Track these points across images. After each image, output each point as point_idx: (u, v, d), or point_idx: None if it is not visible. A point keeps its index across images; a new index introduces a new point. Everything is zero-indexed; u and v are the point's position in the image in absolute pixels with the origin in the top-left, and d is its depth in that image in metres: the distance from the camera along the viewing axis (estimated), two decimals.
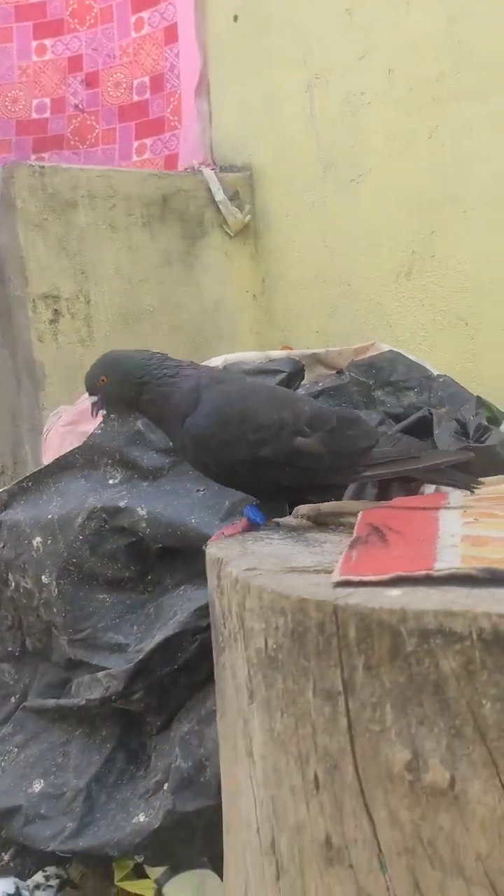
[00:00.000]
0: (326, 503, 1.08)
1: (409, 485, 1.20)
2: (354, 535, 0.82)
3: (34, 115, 2.62)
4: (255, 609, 0.67)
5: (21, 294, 2.06)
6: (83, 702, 1.29)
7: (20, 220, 2.02)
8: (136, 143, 2.58)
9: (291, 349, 1.92)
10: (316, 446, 0.89)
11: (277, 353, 1.49)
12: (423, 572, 0.61)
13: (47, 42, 2.64)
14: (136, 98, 2.59)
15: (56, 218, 2.07)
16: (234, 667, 0.73)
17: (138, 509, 1.29)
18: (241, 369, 1.37)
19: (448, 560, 0.66)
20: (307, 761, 0.62)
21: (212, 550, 0.83)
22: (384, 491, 1.22)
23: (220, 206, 2.29)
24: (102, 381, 0.97)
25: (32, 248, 2.04)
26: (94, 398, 1.00)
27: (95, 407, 1.01)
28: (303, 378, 1.42)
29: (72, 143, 2.63)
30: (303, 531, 0.93)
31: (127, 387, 0.95)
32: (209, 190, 2.29)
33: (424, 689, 0.56)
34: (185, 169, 2.36)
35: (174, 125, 2.53)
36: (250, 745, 0.70)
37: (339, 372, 1.59)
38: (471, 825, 0.55)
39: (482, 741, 0.54)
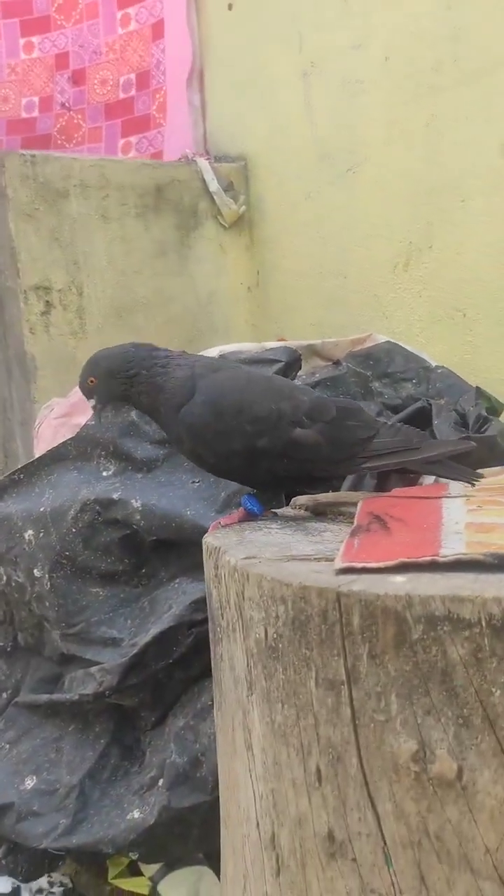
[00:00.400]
0: (325, 494, 1.06)
1: (408, 476, 1.18)
2: (355, 523, 0.80)
3: (23, 115, 2.59)
4: (255, 598, 0.65)
5: (12, 285, 2.03)
6: (76, 697, 1.27)
7: (11, 210, 1.99)
8: (121, 142, 2.54)
9: (286, 341, 1.89)
10: (314, 437, 0.86)
11: (274, 344, 1.47)
12: (429, 558, 0.59)
13: (35, 39, 2.59)
14: (122, 95, 2.54)
15: (48, 208, 2.04)
16: (232, 658, 0.71)
17: (132, 501, 1.27)
18: (237, 359, 1.35)
19: (453, 546, 0.64)
20: (309, 753, 0.60)
21: (208, 539, 0.81)
22: (383, 482, 1.20)
23: (215, 197, 2.27)
24: (91, 382, 0.96)
25: (24, 239, 2.01)
26: (93, 401, 0.98)
27: (96, 410, 0.99)
28: (300, 368, 1.39)
29: (59, 142, 2.59)
30: (302, 521, 0.91)
31: (115, 384, 0.93)
32: (203, 180, 2.26)
33: (431, 677, 0.54)
34: (180, 159, 2.33)
35: (159, 122, 2.49)
36: (249, 738, 0.68)
37: (336, 363, 1.57)
38: (479, 817, 0.53)
39: (491, 730, 0.52)
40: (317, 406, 0.88)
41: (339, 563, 0.61)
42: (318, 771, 0.59)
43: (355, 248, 2.08)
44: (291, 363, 1.34)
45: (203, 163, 2.27)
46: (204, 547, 0.80)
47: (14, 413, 2.17)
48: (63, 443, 1.38)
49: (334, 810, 0.59)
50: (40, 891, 1.24)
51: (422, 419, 1.38)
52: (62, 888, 1.24)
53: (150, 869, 1.28)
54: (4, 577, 1.39)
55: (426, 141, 1.87)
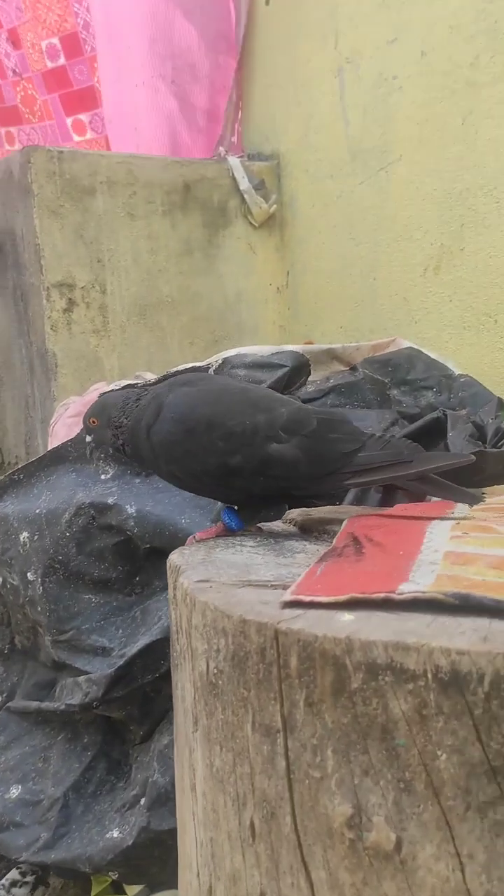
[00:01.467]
0: (319, 508, 1.00)
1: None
2: (332, 545, 0.74)
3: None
4: (199, 627, 0.59)
5: (35, 282, 2.01)
6: (62, 706, 1.22)
7: (36, 207, 1.97)
8: (69, 120, 2.23)
9: (313, 344, 1.83)
10: (291, 452, 0.80)
11: (281, 348, 1.41)
12: (383, 595, 0.53)
13: None
14: (49, 64, 2.16)
15: (73, 205, 2.01)
16: (183, 688, 0.66)
17: (127, 507, 1.22)
18: (241, 363, 1.30)
19: (419, 580, 0.57)
20: (244, 805, 0.54)
21: (173, 556, 0.76)
22: (388, 497, 1.13)
23: (245, 196, 2.22)
24: (93, 422, 0.92)
25: (48, 236, 1.99)
26: (89, 438, 0.95)
27: (89, 447, 0.96)
28: (308, 374, 1.33)
29: (25, 116, 2.30)
30: (283, 539, 0.85)
31: (107, 433, 0.90)
32: (234, 178, 2.21)
33: (371, 733, 0.47)
34: (213, 156, 2.28)
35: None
36: (193, 779, 0.62)
37: (353, 368, 1.50)
38: (420, 895, 0.47)
39: (435, 799, 0.46)
40: (295, 418, 0.81)
41: (287, 595, 0.56)
42: (253, 826, 0.54)
43: (386, 249, 2.01)
44: (298, 368, 1.28)
45: (235, 161, 2.22)
46: (168, 564, 0.75)
47: (36, 411, 2.15)
48: (64, 443, 1.35)
49: (267, 871, 0.53)
50: (14, 883, 1.20)
51: (437, 430, 1.30)
52: (34, 876, 1.20)
53: (133, 889, 1.23)
54: (0, 580, 1.36)
55: (461, 139, 1.79)
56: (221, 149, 2.28)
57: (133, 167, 2.08)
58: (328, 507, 1.04)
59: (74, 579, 1.26)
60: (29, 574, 1.28)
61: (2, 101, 2.33)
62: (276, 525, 0.95)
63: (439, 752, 0.45)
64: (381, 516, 0.86)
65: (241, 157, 2.29)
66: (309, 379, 1.48)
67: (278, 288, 2.33)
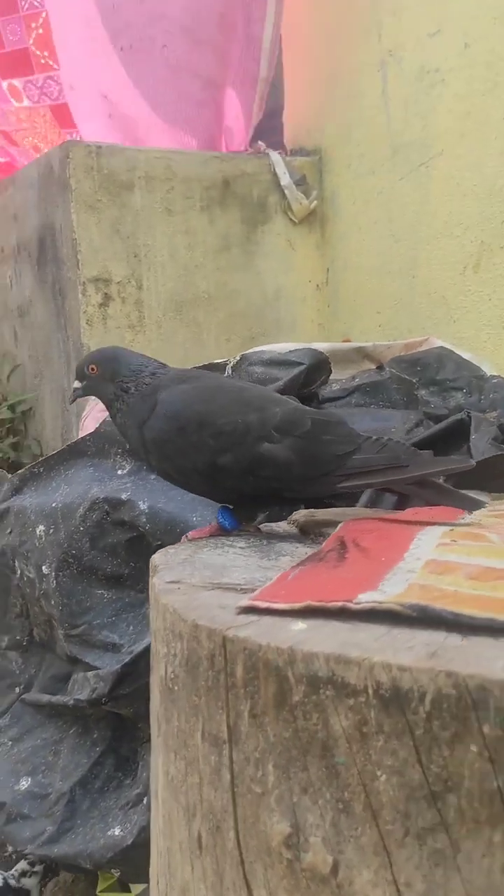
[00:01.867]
0: (325, 510, 0.97)
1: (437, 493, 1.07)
2: (318, 549, 0.72)
3: None
4: (161, 630, 0.58)
5: (72, 276, 2.02)
6: (71, 702, 1.23)
7: (74, 202, 1.98)
8: (5, 84, 2.00)
9: (350, 342, 1.80)
10: (284, 453, 0.78)
11: (297, 346, 1.38)
12: (339, 604, 0.50)
13: None
14: None
15: (111, 200, 2.02)
16: (153, 692, 0.64)
17: (140, 503, 1.22)
18: (259, 360, 1.28)
19: (388, 588, 0.55)
20: (194, 816, 0.53)
21: (156, 556, 0.75)
22: (404, 500, 1.10)
23: (286, 191, 2.19)
24: (92, 370, 0.91)
25: (85, 230, 2.00)
26: (77, 384, 0.93)
27: (75, 393, 0.95)
28: (328, 372, 1.30)
29: None
30: (277, 541, 0.83)
31: (109, 387, 0.88)
32: (275, 173, 2.19)
33: (311, 749, 0.45)
34: (252, 151, 2.26)
35: (48, 65, 1.94)
36: (157, 785, 0.61)
37: (380, 367, 1.47)
38: None
39: (374, 822, 0.43)
40: (289, 418, 0.79)
41: (244, 601, 0.54)
42: (200, 838, 0.52)
43: (426, 246, 1.96)
44: (315, 366, 1.26)
45: (276, 156, 2.20)
46: (150, 564, 0.74)
47: (73, 405, 2.17)
48: (82, 438, 1.35)
49: (212, 886, 0.51)
50: (24, 873, 1.21)
51: (460, 433, 1.26)
52: (43, 866, 1.20)
53: (137, 887, 1.23)
54: (19, 571, 1.37)
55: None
56: (261, 143, 2.26)
57: (171, 162, 2.08)
58: (337, 508, 1.02)
59: (87, 574, 1.26)
60: (44, 567, 1.29)
61: None
62: (280, 526, 0.93)
63: (379, 773, 0.43)
64: (382, 520, 0.83)
65: (282, 152, 2.26)
66: (335, 377, 1.45)
67: (318, 285, 2.30)
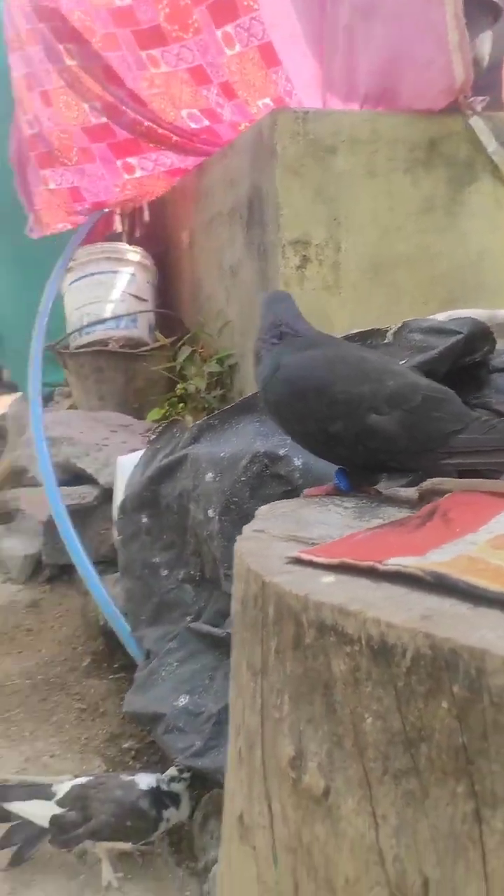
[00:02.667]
0: (454, 480, 0.99)
1: None
2: (411, 515, 0.75)
3: (117, 4, 2.30)
4: (235, 571, 0.65)
5: (274, 239, 2.11)
6: (224, 634, 1.35)
7: (279, 167, 2.06)
8: (219, 32, 2.15)
9: None
10: (390, 426, 0.81)
11: (460, 313, 1.36)
12: (369, 563, 0.55)
13: None
14: None
15: (314, 164, 2.07)
16: None
17: (295, 459, 1.29)
18: (418, 327, 1.28)
19: (434, 556, 0.58)
20: (238, 733, 0.61)
21: (264, 507, 0.82)
22: None
23: (493, 156, 2.11)
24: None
25: (288, 194, 2.07)
26: None
27: None
28: (491, 343, 1.27)
29: (173, 34, 2.24)
30: (385, 505, 0.86)
31: (258, 337, 0.96)
32: (482, 133, 2.11)
33: (316, 687, 0.51)
34: (460, 109, 2.18)
35: (250, 6, 2.08)
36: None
37: None
38: (342, 843, 0.50)
39: (359, 758, 0.48)
40: (400, 392, 0.82)
41: (293, 553, 0.59)
42: (240, 753, 0.60)
43: None
44: (476, 335, 1.24)
45: (477, 121, 2.11)
46: (256, 513, 0.81)
47: None
48: (253, 394, 1.44)
49: (245, 796, 0.59)
50: (173, 779, 1.35)
51: None
52: (190, 772, 1.34)
53: None
54: (192, 513, 1.51)
55: None
56: (475, 98, 2.17)
57: (377, 125, 2.08)
58: (467, 480, 1.02)
59: (246, 520, 1.35)
60: (210, 511, 1.41)
61: (137, 24, 2.33)
62: (406, 491, 0.96)
63: (366, 716, 0.48)
64: (484, 494, 0.84)
65: (488, 112, 2.16)
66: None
67: None
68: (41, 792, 1.39)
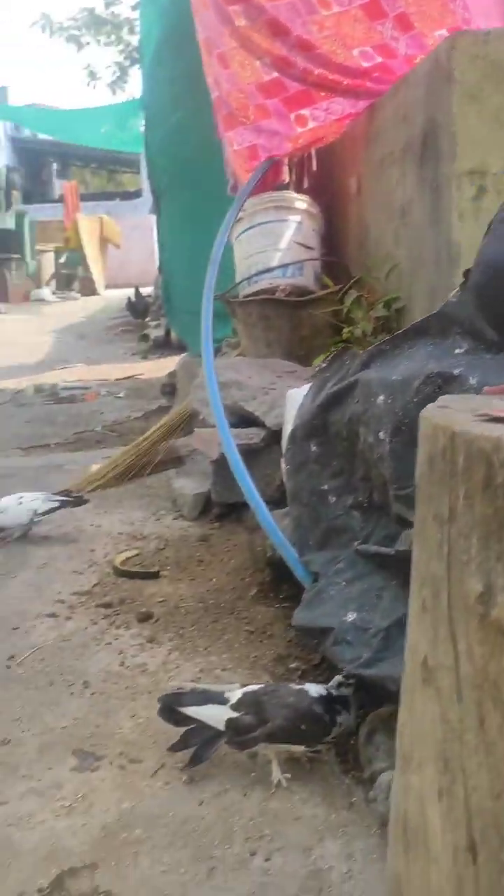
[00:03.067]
0: None
1: None
2: None
3: None
4: (420, 434, 0.67)
5: (447, 171, 2.06)
6: (392, 552, 1.37)
7: (456, 94, 2.00)
8: None
9: None
10: None
11: None
12: None
13: None
14: None
15: (494, 88, 1.99)
16: None
17: (470, 378, 1.28)
18: None
19: None
20: (423, 585, 0.63)
21: (444, 397, 0.83)
22: None
23: None
24: None
25: (465, 121, 2.01)
26: None
27: None
28: None
29: None
30: None
31: None
32: None
33: None
34: None
35: None
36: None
37: None
38: None
39: None
40: None
41: (486, 409, 0.61)
42: (424, 603, 0.62)
43: None
44: None
45: None
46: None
47: (438, 302, 2.24)
48: (426, 318, 1.44)
49: (430, 641, 0.61)
50: (341, 684, 1.40)
51: None
52: (354, 679, 1.38)
53: None
54: (362, 438, 1.53)
55: None
56: None
57: None
58: None
59: (417, 441, 1.37)
60: (381, 433, 1.43)
61: None
62: None
63: None
64: None
65: None
66: None
67: None
68: (215, 697, 1.47)
